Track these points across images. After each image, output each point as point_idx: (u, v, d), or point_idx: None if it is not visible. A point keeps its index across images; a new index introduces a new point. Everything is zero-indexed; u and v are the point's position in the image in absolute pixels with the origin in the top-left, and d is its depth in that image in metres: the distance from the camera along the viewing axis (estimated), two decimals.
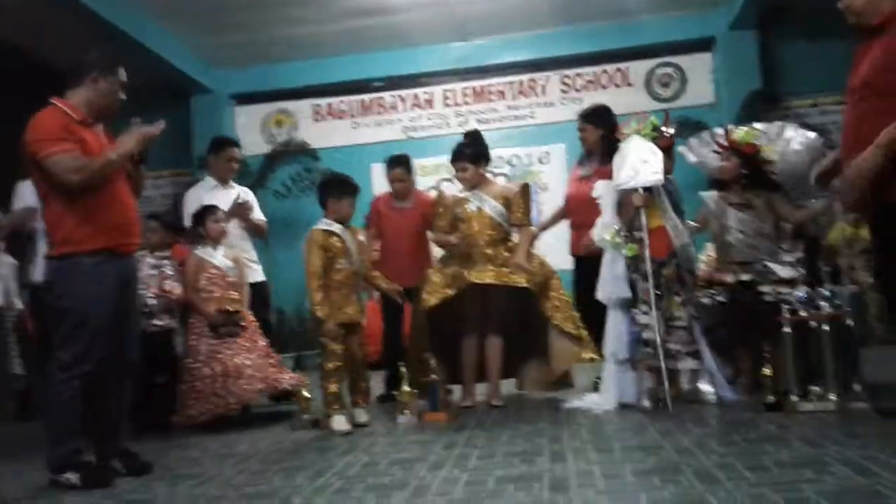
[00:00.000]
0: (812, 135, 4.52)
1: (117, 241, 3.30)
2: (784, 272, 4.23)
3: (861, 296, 6.58)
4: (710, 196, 4.57)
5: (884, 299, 3.37)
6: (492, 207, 4.58)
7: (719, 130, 4.70)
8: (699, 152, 4.71)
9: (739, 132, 4.47)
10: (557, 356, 4.57)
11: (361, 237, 4.53)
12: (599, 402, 4.18)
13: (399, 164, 5.26)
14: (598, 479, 2.65)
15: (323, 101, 9.15)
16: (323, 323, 4.15)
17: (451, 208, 4.68)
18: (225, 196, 5.23)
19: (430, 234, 5.06)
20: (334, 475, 3.03)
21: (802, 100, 8.45)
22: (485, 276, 4.42)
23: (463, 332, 4.63)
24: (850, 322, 3.88)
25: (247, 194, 5.44)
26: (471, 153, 4.65)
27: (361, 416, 4.28)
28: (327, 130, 9.01)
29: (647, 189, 4.18)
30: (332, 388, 4.20)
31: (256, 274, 5.31)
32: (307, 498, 2.70)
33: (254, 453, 3.68)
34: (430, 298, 4.47)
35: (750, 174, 4.45)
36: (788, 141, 4.46)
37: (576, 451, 3.14)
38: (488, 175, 4.81)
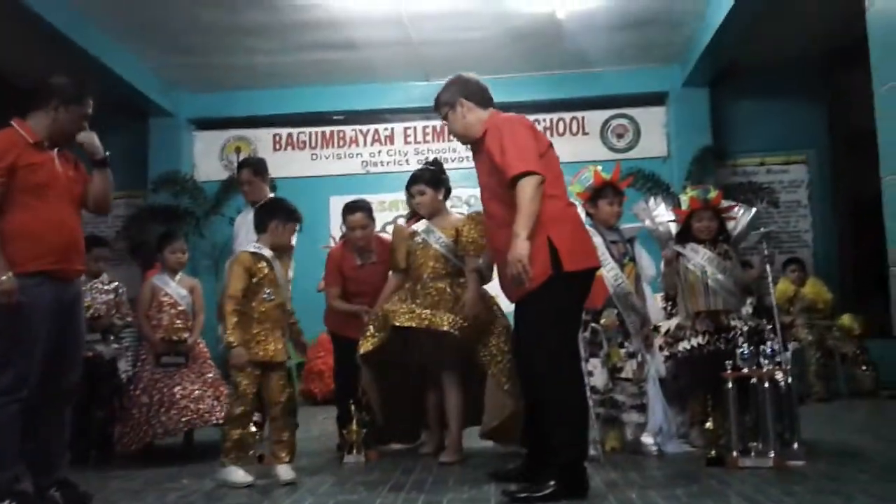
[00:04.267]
0: (753, 210, 4.77)
1: (58, 266, 3.25)
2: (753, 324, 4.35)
3: (801, 352, 6.81)
4: (690, 246, 4.51)
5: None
6: (437, 239, 4.31)
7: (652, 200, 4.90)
8: (653, 217, 4.80)
9: (713, 193, 4.59)
10: (489, 409, 4.09)
11: (291, 273, 4.23)
12: None
13: (359, 209, 4.72)
14: None
15: (283, 131, 9.16)
16: (232, 349, 3.67)
17: (405, 241, 4.45)
18: None
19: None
20: None
21: (750, 158, 8.77)
22: (405, 318, 4.12)
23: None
24: (789, 379, 3.99)
25: None
26: (429, 176, 4.40)
27: (286, 473, 3.72)
28: (286, 160, 8.98)
29: None
30: (234, 434, 3.70)
31: None
32: None
33: (197, 488, 3.62)
34: (365, 344, 4.21)
35: (723, 230, 4.56)
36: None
37: None
38: (449, 208, 4.55)
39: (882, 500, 2.97)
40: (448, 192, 4.52)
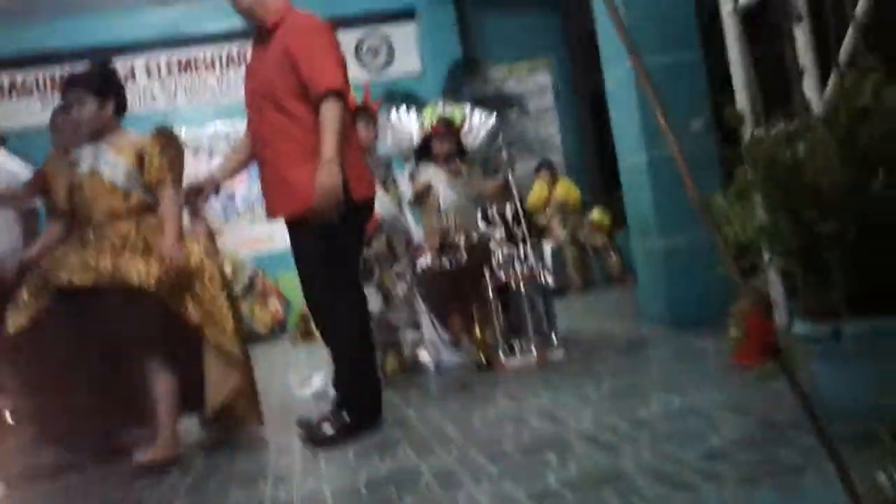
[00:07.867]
0: (492, 119, 4.92)
1: None
2: (496, 235, 4.56)
3: (560, 250, 7.34)
4: (426, 166, 4.70)
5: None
6: (110, 165, 3.19)
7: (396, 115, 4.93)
8: (395, 132, 4.87)
9: (454, 112, 4.71)
10: (212, 382, 3.19)
11: None
12: (321, 380, 4.16)
13: None
14: (321, 461, 2.73)
15: (4, 77, 8.20)
16: None
17: (63, 173, 3.31)
18: None
19: None
20: None
21: (499, 67, 9.08)
22: (77, 274, 3.02)
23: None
24: (545, 279, 4.26)
25: None
26: (95, 81, 3.25)
27: None
28: (14, 109, 8.05)
29: None
30: None
31: None
32: None
33: None
34: (15, 318, 3.05)
35: (460, 148, 4.73)
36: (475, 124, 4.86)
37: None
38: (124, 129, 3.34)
39: (622, 373, 3.35)
40: (122, 106, 3.34)
